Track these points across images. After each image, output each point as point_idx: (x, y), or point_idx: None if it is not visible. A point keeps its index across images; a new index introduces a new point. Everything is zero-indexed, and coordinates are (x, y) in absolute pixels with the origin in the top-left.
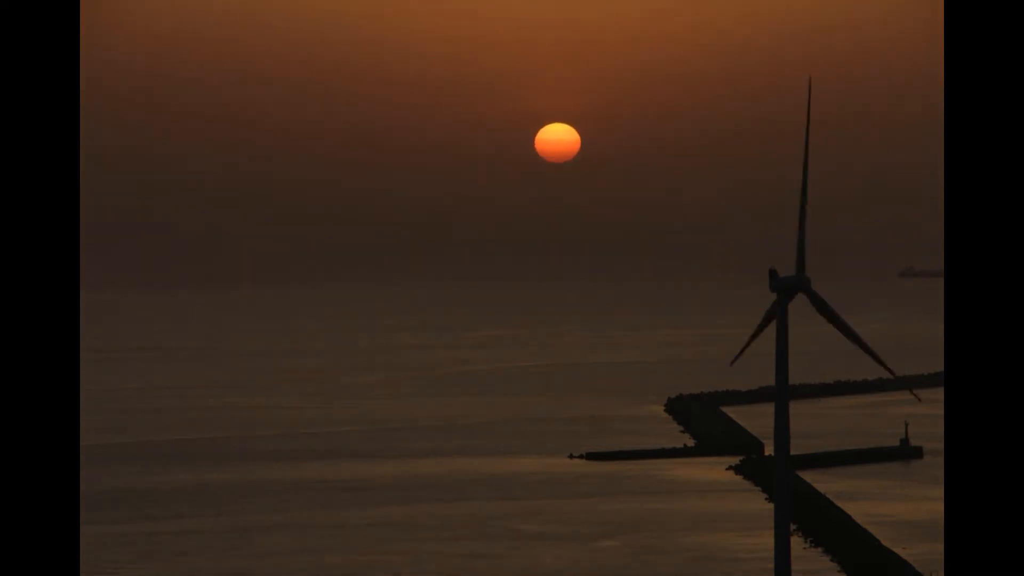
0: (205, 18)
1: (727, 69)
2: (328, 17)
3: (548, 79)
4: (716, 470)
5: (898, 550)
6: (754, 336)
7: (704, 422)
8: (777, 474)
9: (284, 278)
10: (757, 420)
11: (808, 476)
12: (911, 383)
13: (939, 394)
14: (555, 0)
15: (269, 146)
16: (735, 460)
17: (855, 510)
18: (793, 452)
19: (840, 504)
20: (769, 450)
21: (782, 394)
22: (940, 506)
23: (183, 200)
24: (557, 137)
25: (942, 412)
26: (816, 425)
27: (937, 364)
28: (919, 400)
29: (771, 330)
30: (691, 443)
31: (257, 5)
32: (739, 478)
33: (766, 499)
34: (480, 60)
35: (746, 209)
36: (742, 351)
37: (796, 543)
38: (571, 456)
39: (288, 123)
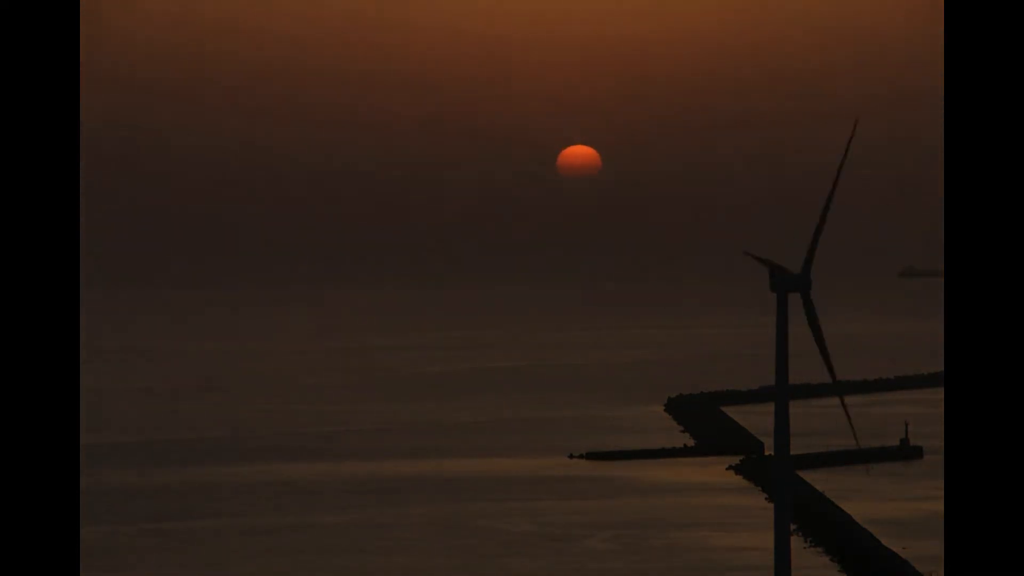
0: (206, 16)
1: (728, 71)
2: (349, 24)
3: (571, 99)
4: (716, 470)
5: (898, 550)
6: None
7: (704, 422)
8: (777, 474)
9: (323, 287)
10: (757, 420)
11: (808, 476)
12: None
13: (939, 394)
14: (572, 17)
15: (285, 154)
16: (735, 460)
17: (855, 510)
18: (793, 452)
19: (840, 504)
20: (769, 450)
21: (782, 394)
22: (940, 506)
23: (182, 199)
24: (578, 157)
25: (942, 412)
26: (816, 425)
27: (937, 364)
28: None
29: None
30: (691, 443)
31: (269, 7)
32: (739, 478)
33: (766, 499)
34: (504, 79)
35: (749, 209)
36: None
37: (796, 543)
38: (571, 456)
39: (296, 128)
